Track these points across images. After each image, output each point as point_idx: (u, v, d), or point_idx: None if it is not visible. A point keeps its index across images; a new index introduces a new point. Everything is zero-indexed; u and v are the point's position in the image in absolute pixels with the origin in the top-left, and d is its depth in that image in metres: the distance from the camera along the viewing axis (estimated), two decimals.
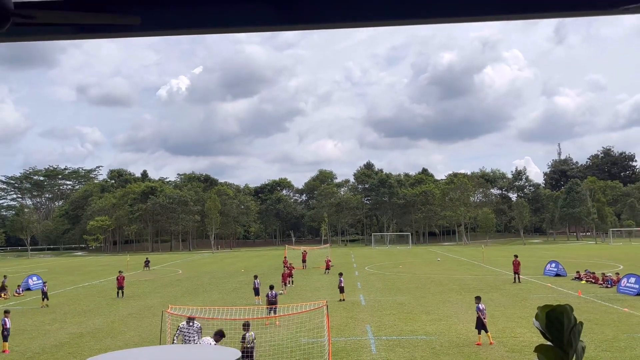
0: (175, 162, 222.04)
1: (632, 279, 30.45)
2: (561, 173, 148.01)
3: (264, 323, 23.39)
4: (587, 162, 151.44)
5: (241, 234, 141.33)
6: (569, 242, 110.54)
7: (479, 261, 56.66)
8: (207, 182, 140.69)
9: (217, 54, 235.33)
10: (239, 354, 4.15)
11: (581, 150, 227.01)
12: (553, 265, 41.88)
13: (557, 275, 40.03)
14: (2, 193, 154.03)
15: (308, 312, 20.80)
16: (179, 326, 16.42)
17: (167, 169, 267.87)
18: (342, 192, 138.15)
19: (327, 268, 48.23)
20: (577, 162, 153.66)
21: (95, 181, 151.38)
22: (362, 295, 32.10)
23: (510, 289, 33.79)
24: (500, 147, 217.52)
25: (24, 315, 28.80)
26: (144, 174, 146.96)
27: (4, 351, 20.39)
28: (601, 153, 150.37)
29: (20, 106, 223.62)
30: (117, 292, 35.37)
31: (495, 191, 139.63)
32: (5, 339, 20.69)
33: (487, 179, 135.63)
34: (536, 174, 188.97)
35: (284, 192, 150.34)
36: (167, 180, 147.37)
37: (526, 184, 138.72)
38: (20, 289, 39.54)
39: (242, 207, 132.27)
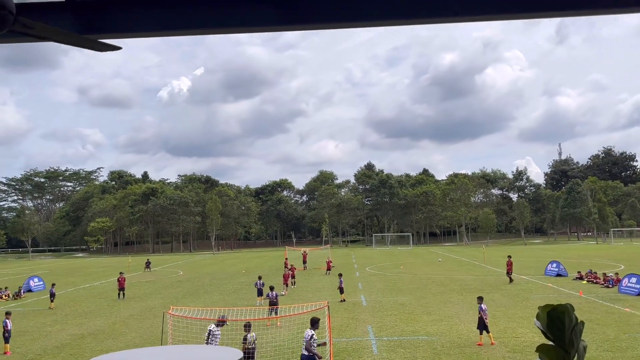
0: (176, 163, 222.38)
1: (634, 279, 30.42)
2: (562, 173, 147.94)
3: (265, 324, 23.39)
4: (588, 162, 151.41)
5: (242, 235, 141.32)
6: (570, 242, 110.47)
7: (480, 261, 56.63)
8: (208, 183, 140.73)
9: (218, 56, 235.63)
10: (241, 355, 4.16)
11: (582, 150, 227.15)
12: (554, 265, 41.85)
13: (558, 275, 40.00)
14: (3, 195, 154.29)
15: (309, 312, 20.79)
16: (209, 330, 16.37)
17: (168, 170, 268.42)
18: (342, 193, 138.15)
19: (328, 269, 48.23)
20: (578, 162, 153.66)
21: (96, 182, 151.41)
22: (363, 296, 32.09)
23: (511, 289, 33.77)
24: (501, 147, 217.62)
25: (25, 317, 28.80)
26: (145, 175, 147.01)
27: (5, 353, 20.39)
28: (602, 153, 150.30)
29: (21, 108, 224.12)
30: (118, 294, 35.37)
31: (496, 191, 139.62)
32: (6, 340, 20.68)
33: (487, 179, 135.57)
34: (537, 174, 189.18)
35: (285, 193, 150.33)
36: (168, 181, 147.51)
37: (527, 184, 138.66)
38: (22, 291, 39.53)
39: (243, 208, 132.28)
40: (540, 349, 2.60)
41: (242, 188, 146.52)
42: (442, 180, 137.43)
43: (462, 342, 19.77)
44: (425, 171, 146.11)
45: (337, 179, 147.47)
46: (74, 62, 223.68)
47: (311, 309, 20.97)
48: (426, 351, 18.56)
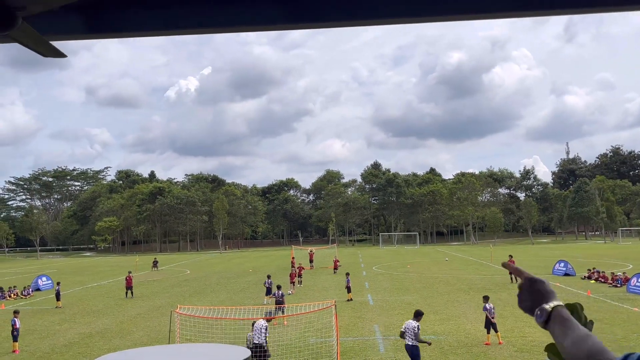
0: (183, 162, 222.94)
1: None
2: (570, 172, 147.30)
3: (272, 323, 23.42)
4: (595, 161, 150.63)
5: (249, 234, 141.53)
6: (578, 242, 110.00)
7: (487, 261, 56.47)
8: (215, 182, 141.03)
9: (225, 55, 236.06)
10: (249, 353, 4.16)
11: (590, 149, 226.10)
12: (562, 264, 41.68)
13: (566, 274, 39.83)
14: (12, 194, 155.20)
15: (316, 312, 20.81)
16: (263, 325, 16.52)
17: (175, 169, 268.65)
18: (349, 192, 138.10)
19: (335, 268, 48.22)
20: (585, 161, 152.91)
21: (104, 182, 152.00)
22: (370, 295, 32.08)
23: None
24: (508, 146, 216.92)
25: (33, 316, 28.97)
26: (152, 175, 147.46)
27: (14, 351, 20.52)
28: (610, 152, 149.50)
29: (30, 108, 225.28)
30: (126, 293, 35.51)
31: (503, 190, 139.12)
32: (15, 339, 20.81)
33: (495, 179, 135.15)
34: (544, 173, 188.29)
35: (291, 192, 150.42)
36: (175, 180, 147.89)
37: (534, 183, 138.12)
38: (30, 290, 39.77)
39: (250, 207, 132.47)
40: (549, 348, 2.59)
41: (249, 187, 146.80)
42: (449, 179, 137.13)
43: (469, 341, 19.73)
44: (432, 170, 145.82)
45: (343, 178, 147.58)
46: (82, 62, 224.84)
47: (318, 308, 20.99)
48: (433, 350, 18.53)
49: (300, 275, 39.00)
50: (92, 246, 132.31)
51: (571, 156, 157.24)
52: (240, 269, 56.40)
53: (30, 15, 2.84)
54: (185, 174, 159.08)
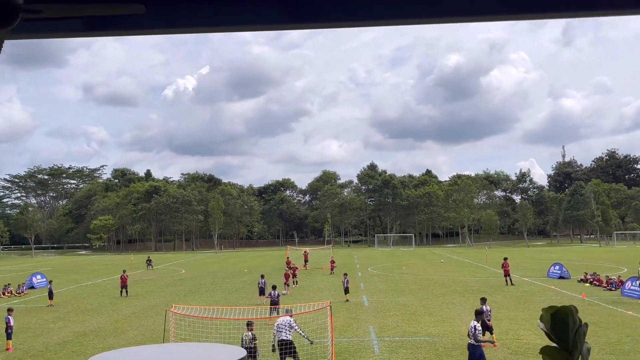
0: (180, 162, 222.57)
1: (637, 282, 30.33)
2: (565, 175, 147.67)
3: (267, 323, 23.39)
4: (591, 164, 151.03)
5: (244, 234, 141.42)
6: (573, 245, 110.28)
7: (482, 263, 56.57)
8: (211, 182, 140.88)
9: (223, 55, 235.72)
10: (245, 353, 4.16)
11: (586, 153, 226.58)
12: (557, 267, 41.78)
13: (561, 277, 39.92)
14: (7, 192, 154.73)
15: (312, 312, 20.80)
16: (289, 321, 16.62)
17: (172, 168, 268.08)
18: (345, 193, 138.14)
19: (332, 269, 48.23)
20: (581, 165, 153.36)
21: (99, 180, 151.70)
22: (365, 296, 32.08)
23: (513, 291, 33.71)
24: (504, 149, 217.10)
25: (27, 314, 28.88)
26: (148, 174, 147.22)
27: (7, 349, 20.45)
28: (606, 156, 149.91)
29: (27, 105, 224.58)
30: (121, 291, 35.44)
31: (499, 193, 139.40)
32: (9, 337, 20.74)
33: (491, 181, 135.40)
34: (540, 176, 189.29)
35: (288, 192, 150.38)
36: (171, 179, 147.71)
37: (530, 186, 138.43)
38: (24, 288, 39.64)
39: (246, 207, 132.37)
40: (544, 350, 2.59)
41: (245, 187, 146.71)
42: (445, 181, 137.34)
43: (464, 343, 19.73)
44: (428, 172, 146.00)
45: (340, 179, 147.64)
46: (80, 60, 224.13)
47: (313, 308, 20.98)
48: (428, 352, 18.55)
49: (295, 276, 38.99)
50: (87, 244, 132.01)
51: (567, 159, 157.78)
52: (236, 269, 56.35)
53: (32, 12, 2.84)
54: (182, 173, 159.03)
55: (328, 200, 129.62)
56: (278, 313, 24.14)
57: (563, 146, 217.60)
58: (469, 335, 16.27)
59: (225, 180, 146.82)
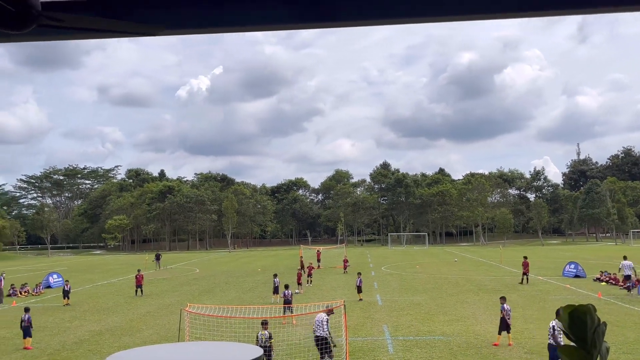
0: (193, 161, 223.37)
1: None
2: (580, 173, 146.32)
3: (281, 322, 23.45)
4: (607, 162, 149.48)
5: (257, 233, 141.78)
6: (589, 243, 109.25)
7: (496, 262, 56.25)
8: (224, 181, 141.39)
9: (235, 55, 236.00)
10: (262, 352, 4.17)
11: (601, 150, 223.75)
12: (572, 266, 41.43)
13: (577, 276, 39.59)
14: (23, 192, 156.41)
15: (325, 311, 20.77)
16: (325, 319, 16.90)
17: (185, 168, 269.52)
18: (358, 192, 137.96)
19: (345, 268, 48.21)
20: (596, 162, 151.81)
21: (114, 180, 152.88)
22: (378, 295, 32.04)
23: (528, 290, 33.49)
24: (518, 147, 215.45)
25: (44, 313, 29.19)
26: (162, 174, 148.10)
27: (26, 347, 20.69)
28: (621, 153, 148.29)
29: (43, 106, 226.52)
30: (136, 291, 35.69)
31: (513, 191, 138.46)
32: (28, 334, 20.97)
33: (505, 179, 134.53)
34: (555, 174, 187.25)
35: (300, 191, 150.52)
36: (185, 179, 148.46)
37: (544, 184, 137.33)
38: (41, 287, 40.06)
39: (259, 206, 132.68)
40: (563, 349, 2.58)
41: (258, 187, 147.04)
42: (459, 180, 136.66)
43: (478, 342, 19.66)
44: (441, 171, 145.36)
45: (352, 178, 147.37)
46: (94, 61, 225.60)
47: (327, 307, 20.96)
48: (442, 351, 18.50)
49: (310, 275, 39.05)
50: (102, 244, 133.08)
51: (582, 157, 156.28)
52: (249, 268, 56.52)
53: (52, 19, 2.87)
54: (195, 173, 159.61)
55: (341, 200, 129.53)
56: (292, 312, 24.19)
57: (578, 144, 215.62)
58: (551, 335, 15.95)
59: (238, 180, 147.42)
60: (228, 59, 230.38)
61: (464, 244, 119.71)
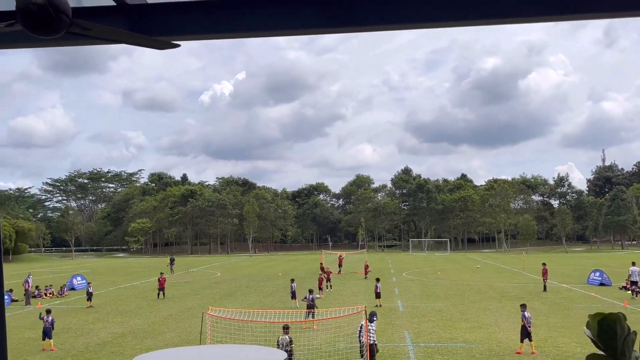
0: (216, 166, 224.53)
1: None
2: (605, 180, 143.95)
3: (302, 327, 23.45)
4: (633, 168, 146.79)
5: (278, 237, 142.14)
6: (614, 251, 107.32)
7: (519, 269, 55.57)
8: (246, 186, 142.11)
9: (258, 60, 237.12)
10: (285, 356, 4.19)
11: (627, 157, 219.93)
12: (597, 274, 40.75)
13: (602, 284, 38.93)
14: (49, 195, 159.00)
15: (347, 317, 20.76)
16: (367, 324, 17.10)
17: (208, 172, 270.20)
18: (379, 197, 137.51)
19: (366, 273, 48.03)
20: (622, 169, 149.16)
21: (137, 184, 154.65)
22: (399, 301, 31.87)
23: (551, 297, 33.01)
24: (542, 152, 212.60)
25: (68, 314, 29.59)
26: (184, 178, 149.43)
27: (51, 349, 20.97)
28: None
29: (70, 111, 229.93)
30: (158, 294, 35.99)
31: (536, 198, 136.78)
32: (49, 336, 21.20)
33: (528, 185, 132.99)
34: (579, 180, 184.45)
35: (321, 196, 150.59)
36: (207, 183, 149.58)
37: (569, 190, 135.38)
38: (65, 289, 40.65)
39: (280, 211, 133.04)
40: (591, 358, 2.54)
41: (279, 191, 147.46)
42: (481, 185, 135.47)
43: (501, 350, 19.43)
44: (463, 176, 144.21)
45: (373, 183, 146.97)
46: (120, 66, 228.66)
47: (347, 313, 20.94)
48: (464, 358, 18.32)
49: (329, 280, 38.99)
50: (124, 247, 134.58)
51: (607, 163, 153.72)
52: (270, 272, 56.64)
53: (81, 27, 2.94)
54: (217, 177, 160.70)
55: (362, 205, 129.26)
56: (313, 317, 24.17)
57: (603, 150, 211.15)
58: None
59: (259, 184, 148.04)
60: (251, 64, 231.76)
61: (487, 250, 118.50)
